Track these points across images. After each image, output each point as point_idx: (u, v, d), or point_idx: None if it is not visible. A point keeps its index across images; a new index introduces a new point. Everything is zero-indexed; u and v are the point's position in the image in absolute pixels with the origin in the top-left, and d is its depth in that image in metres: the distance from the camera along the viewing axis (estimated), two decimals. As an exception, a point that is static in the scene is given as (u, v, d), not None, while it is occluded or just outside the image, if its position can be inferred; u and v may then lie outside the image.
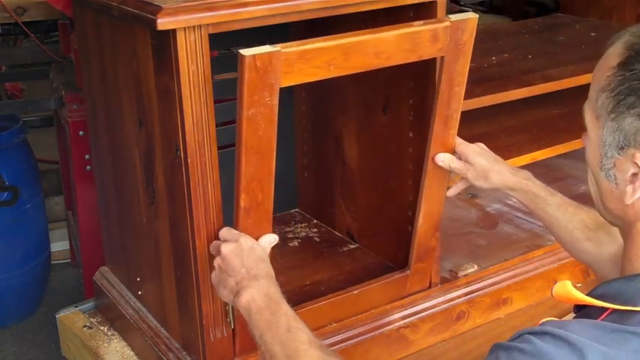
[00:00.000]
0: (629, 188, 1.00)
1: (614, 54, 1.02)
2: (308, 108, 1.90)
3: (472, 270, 1.77)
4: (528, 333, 0.95)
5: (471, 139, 1.91)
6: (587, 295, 1.03)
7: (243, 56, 1.19)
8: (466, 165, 1.51)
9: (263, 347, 1.19)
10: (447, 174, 1.55)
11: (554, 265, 1.86)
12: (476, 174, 1.51)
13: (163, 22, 1.21)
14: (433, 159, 1.51)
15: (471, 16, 1.41)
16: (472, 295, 1.74)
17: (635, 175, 0.99)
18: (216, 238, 1.36)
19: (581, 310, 1.05)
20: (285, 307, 1.22)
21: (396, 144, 1.59)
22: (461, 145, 1.52)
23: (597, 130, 1.03)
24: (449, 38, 1.39)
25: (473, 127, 1.89)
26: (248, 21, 1.28)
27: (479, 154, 1.51)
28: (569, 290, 1.04)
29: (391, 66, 1.56)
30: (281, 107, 1.91)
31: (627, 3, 2.52)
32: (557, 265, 1.86)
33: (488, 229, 2.03)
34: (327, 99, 1.81)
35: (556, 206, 1.47)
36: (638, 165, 0.98)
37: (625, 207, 1.03)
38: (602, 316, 0.99)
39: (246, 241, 1.29)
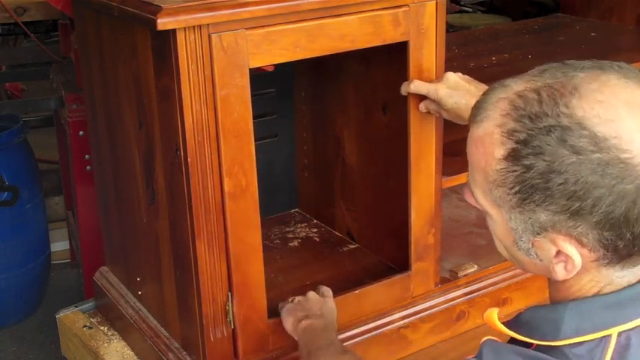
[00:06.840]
0: (559, 267, 0.94)
1: (492, 140, 0.92)
2: (308, 108, 1.90)
3: (472, 270, 1.77)
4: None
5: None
6: (517, 317, 1.00)
7: (209, 37, 1.25)
8: (440, 109, 1.48)
9: None
10: (432, 165, 1.56)
11: (554, 265, 1.86)
12: (450, 115, 1.48)
13: (163, 22, 1.21)
14: (415, 155, 1.53)
15: (431, 1, 1.46)
16: (472, 295, 1.74)
17: (559, 252, 0.93)
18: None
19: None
20: (339, 344, 1.35)
21: (396, 144, 1.59)
22: (433, 89, 1.47)
23: (501, 215, 0.96)
24: (410, 22, 1.44)
25: (473, 127, 1.89)
26: (248, 21, 1.28)
27: (448, 95, 1.45)
28: (493, 321, 1.00)
29: (391, 66, 1.57)
30: (281, 107, 1.94)
31: (627, 3, 2.52)
32: (557, 265, 1.86)
33: (488, 229, 2.02)
34: (327, 99, 1.81)
35: None
36: (560, 247, 0.92)
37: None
38: (532, 347, 0.96)
39: (330, 299, 1.48)
